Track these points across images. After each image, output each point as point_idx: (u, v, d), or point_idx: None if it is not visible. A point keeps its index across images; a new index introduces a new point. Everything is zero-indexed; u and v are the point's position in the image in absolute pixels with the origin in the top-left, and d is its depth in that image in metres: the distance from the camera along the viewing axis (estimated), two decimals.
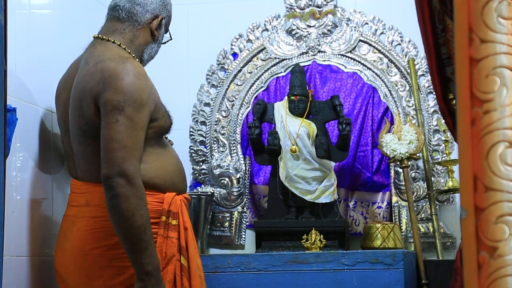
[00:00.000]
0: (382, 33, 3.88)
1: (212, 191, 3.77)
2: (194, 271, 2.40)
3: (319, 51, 3.89)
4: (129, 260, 2.27)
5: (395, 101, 3.78)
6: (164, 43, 2.67)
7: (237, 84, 3.93)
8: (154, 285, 2.23)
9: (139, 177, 2.24)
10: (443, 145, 3.66)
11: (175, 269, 2.37)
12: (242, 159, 3.85)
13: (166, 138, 2.58)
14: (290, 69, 3.80)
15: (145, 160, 2.35)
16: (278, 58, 3.91)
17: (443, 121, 3.52)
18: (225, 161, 3.85)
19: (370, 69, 3.84)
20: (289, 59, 3.91)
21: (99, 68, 2.34)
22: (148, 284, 2.22)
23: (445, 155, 3.62)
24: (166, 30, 2.63)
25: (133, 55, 2.48)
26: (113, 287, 2.32)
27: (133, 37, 2.51)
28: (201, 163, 3.88)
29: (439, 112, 3.67)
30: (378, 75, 3.83)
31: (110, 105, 2.27)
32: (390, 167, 3.75)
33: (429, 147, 3.72)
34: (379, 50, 3.85)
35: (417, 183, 3.71)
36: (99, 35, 2.50)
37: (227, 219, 3.82)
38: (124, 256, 2.29)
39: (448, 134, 3.58)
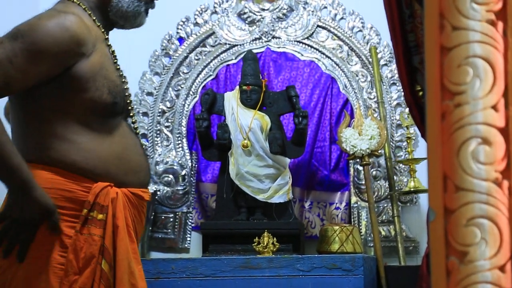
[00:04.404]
0: (342, 18, 3.90)
1: (155, 189, 3.75)
2: (121, 279, 2.23)
3: (273, 37, 3.90)
4: None
5: (355, 92, 3.81)
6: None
7: (183, 72, 3.91)
8: (18, 201, 2.14)
9: None
10: (407, 141, 3.69)
11: (95, 274, 2.20)
12: (188, 154, 3.84)
13: (135, 127, 2.44)
14: (241, 56, 3.80)
15: (73, 139, 2.25)
16: (229, 44, 3.91)
17: (406, 115, 3.55)
18: (169, 156, 3.83)
19: (328, 57, 3.86)
20: (240, 45, 3.90)
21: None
22: (12, 201, 2.14)
23: (407, 153, 3.65)
24: None
25: (95, 18, 2.38)
26: None
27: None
28: None
29: (403, 105, 3.71)
30: (337, 64, 3.85)
31: (9, 32, 2.19)
32: (350, 165, 3.77)
33: (391, 143, 3.76)
34: (338, 37, 3.88)
35: (378, 182, 3.74)
36: None
37: (171, 220, 3.81)
38: None
39: (411, 130, 3.61)
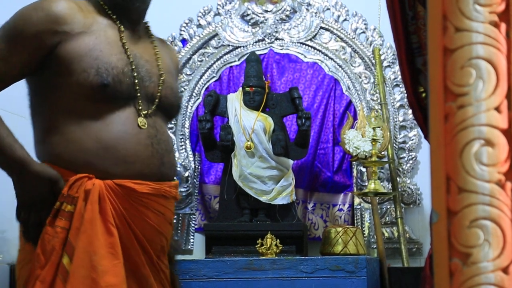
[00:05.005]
0: (345, 20, 3.90)
1: None
2: (74, 272, 2.10)
3: (276, 39, 3.90)
4: None
5: (358, 94, 3.81)
6: None
7: (186, 74, 3.91)
8: (20, 183, 2.13)
9: None
10: (372, 143, 3.67)
11: (56, 268, 2.11)
12: (191, 155, 3.84)
13: (147, 115, 2.26)
14: (245, 57, 3.80)
15: (62, 130, 2.21)
16: (232, 46, 3.91)
17: (373, 118, 3.52)
18: None
19: (331, 59, 3.86)
20: (243, 46, 3.90)
21: None
22: (16, 187, 2.14)
23: (371, 154, 3.59)
24: None
25: (103, 2, 2.36)
26: None
27: None
28: None
29: (406, 107, 3.71)
30: (340, 66, 3.85)
31: None
32: (353, 166, 3.77)
33: (394, 145, 3.75)
34: (341, 39, 3.87)
35: (382, 183, 3.74)
36: None
37: (174, 221, 3.80)
38: None
39: (377, 131, 3.56)
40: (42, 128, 2.24)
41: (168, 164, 2.29)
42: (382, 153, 3.51)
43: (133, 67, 2.25)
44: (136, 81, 2.25)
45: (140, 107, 2.26)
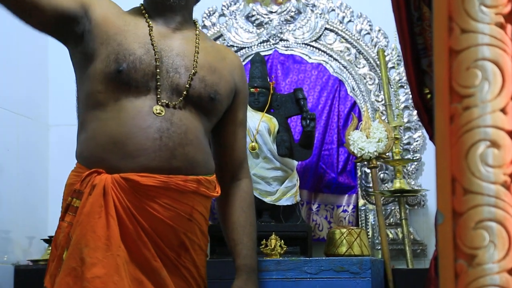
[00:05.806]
0: (350, 21, 3.90)
1: None
2: (66, 263, 2.14)
3: (281, 40, 3.90)
4: None
5: (363, 95, 3.81)
6: None
7: None
8: None
9: None
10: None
11: (60, 263, 2.18)
12: None
13: (166, 104, 2.29)
14: (249, 58, 3.80)
15: (87, 127, 2.25)
16: (237, 47, 3.91)
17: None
18: None
19: (336, 60, 3.86)
20: (248, 47, 3.90)
21: None
22: None
23: (395, 154, 3.60)
24: None
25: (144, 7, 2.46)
26: None
27: None
28: None
29: (411, 108, 3.71)
30: (345, 67, 3.85)
31: None
32: (357, 167, 3.77)
33: (399, 146, 3.75)
34: (346, 40, 3.87)
35: (386, 185, 3.74)
36: None
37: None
38: None
39: (401, 130, 3.57)
40: (77, 129, 2.32)
41: (181, 157, 2.27)
42: (387, 154, 3.51)
43: (156, 57, 2.29)
44: (158, 70, 2.28)
45: (159, 96, 2.28)
